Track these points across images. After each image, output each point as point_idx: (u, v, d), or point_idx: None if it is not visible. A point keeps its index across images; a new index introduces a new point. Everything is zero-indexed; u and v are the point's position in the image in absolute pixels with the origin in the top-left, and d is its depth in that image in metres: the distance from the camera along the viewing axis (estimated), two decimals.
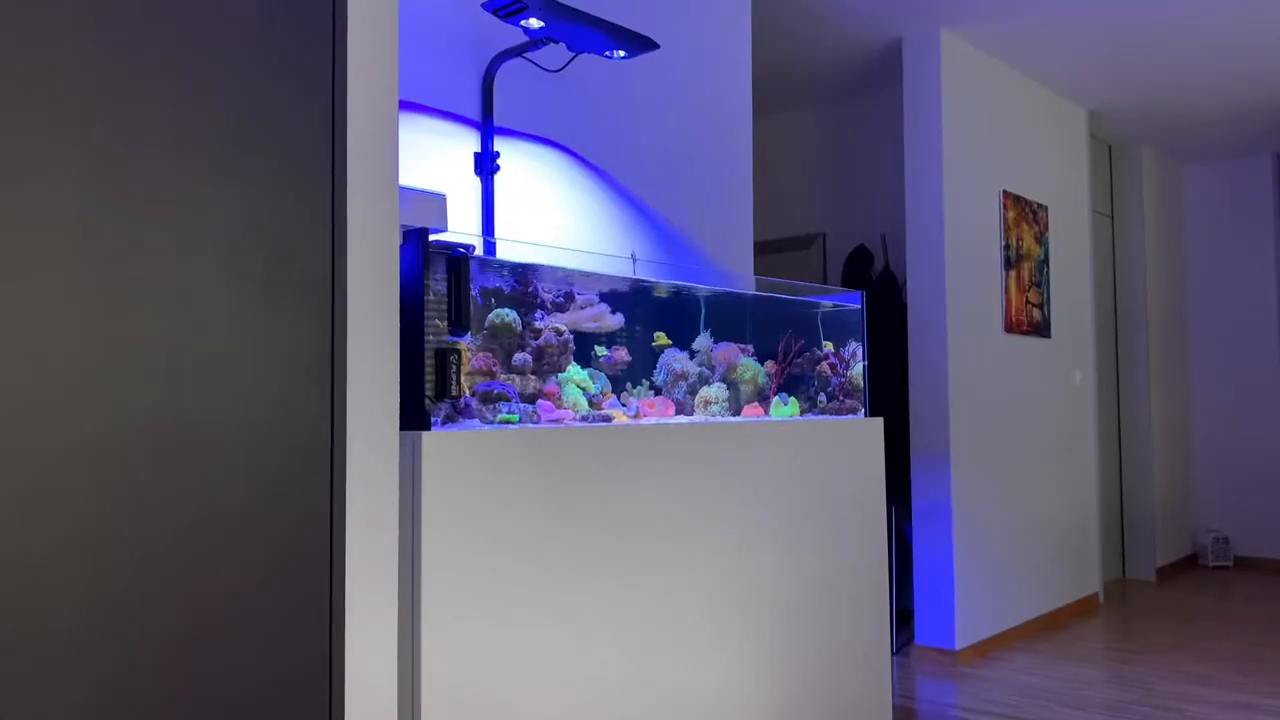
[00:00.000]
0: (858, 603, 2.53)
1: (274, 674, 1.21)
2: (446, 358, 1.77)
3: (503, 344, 2.02)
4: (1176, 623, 4.91)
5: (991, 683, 3.90)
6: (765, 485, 2.26)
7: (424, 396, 1.69)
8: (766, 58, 4.58)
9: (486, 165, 2.48)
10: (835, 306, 2.74)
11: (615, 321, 2.23)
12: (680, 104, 3.13)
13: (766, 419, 2.36)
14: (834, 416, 2.60)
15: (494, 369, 1.98)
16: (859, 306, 2.70)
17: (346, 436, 1.31)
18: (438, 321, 1.82)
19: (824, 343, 2.69)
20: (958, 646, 4.19)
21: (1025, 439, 4.81)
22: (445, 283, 1.81)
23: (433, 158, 2.40)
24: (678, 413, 2.35)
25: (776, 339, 2.64)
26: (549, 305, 2.13)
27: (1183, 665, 4.11)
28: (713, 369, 2.49)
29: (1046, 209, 5.05)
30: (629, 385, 2.36)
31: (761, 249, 5.43)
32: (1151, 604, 5.38)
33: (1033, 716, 3.46)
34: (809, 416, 2.57)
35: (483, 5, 2.31)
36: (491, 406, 1.89)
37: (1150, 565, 6.04)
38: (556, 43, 2.42)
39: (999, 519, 4.55)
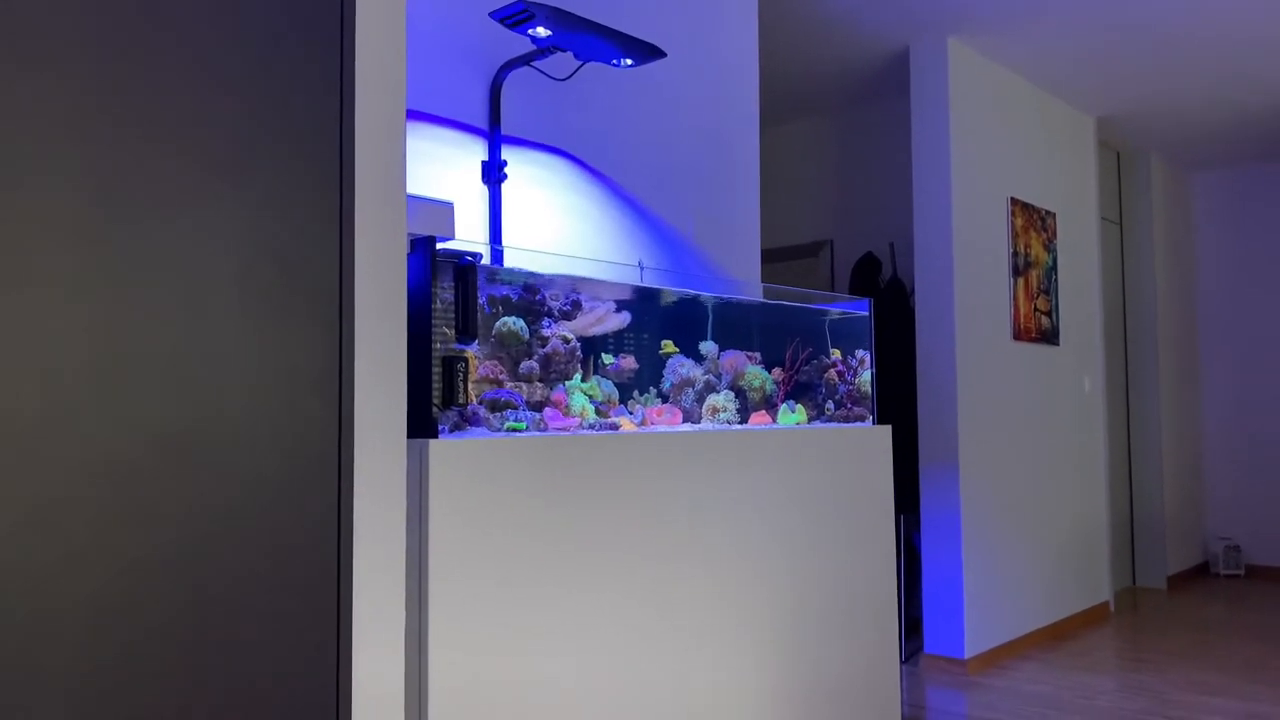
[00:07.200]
0: (866, 611, 2.52)
1: (282, 682, 1.21)
2: (454, 366, 1.77)
3: (510, 352, 2.02)
4: (1188, 631, 4.88)
5: (1001, 692, 3.88)
6: (773, 493, 2.26)
7: (431, 404, 1.69)
8: (774, 66, 4.58)
9: (494, 174, 2.49)
10: (843, 314, 2.73)
11: (620, 320, 2.23)
12: (687, 112, 3.14)
13: (774, 427, 2.36)
14: (842, 424, 2.59)
15: (501, 377, 1.98)
16: (866, 314, 2.70)
17: (354, 444, 1.31)
18: (445, 329, 1.82)
19: (831, 350, 2.68)
20: (967, 655, 4.17)
21: (1034, 447, 4.79)
22: (452, 291, 1.82)
23: (440, 166, 2.41)
24: (685, 420, 2.35)
25: (783, 346, 2.64)
26: (556, 313, 2.14)
27: (1195, 674, 4.08)
28: (720, 376, 2.49)
29: (1055, 216, 5.04)
30: (636, 393, 2.36)
31: (769, 257, 5.43)
32: (1163, 612, 5.34)
33: None
34: (816, 424, 2.56)
35: (490, 14, 2.31)
36: (499, 414, 1.90)
37: (1161, 573, 6.00)
38: (564, 51, 2.43)
39: (1008, 527, 4.53)
